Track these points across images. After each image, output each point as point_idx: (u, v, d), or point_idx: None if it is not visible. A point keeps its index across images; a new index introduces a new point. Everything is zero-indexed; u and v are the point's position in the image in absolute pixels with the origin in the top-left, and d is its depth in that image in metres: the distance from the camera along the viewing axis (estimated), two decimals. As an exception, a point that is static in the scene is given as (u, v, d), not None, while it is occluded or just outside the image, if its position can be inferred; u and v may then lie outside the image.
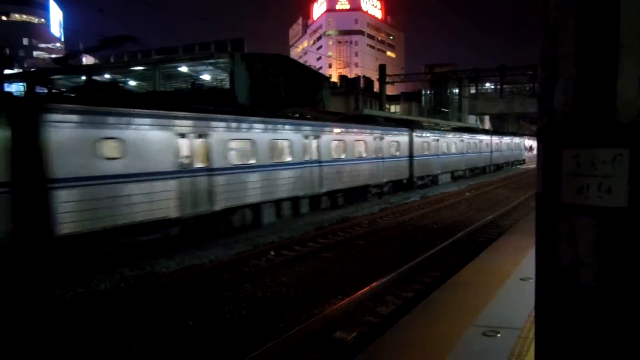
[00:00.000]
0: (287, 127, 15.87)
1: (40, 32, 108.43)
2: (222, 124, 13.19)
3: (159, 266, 10.43)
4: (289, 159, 15.75)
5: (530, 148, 57.79)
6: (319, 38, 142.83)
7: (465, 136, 33.59)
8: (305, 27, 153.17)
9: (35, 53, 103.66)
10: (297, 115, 19.76)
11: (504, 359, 4.02)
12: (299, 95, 35.55)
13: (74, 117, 9.59)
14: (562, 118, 1.62)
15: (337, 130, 18.69)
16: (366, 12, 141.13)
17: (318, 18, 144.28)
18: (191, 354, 6.12)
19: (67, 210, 9.27)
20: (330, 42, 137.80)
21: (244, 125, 13.96)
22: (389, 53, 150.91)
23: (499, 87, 62.81)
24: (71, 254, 9.53)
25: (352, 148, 19.44)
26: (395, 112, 64.59)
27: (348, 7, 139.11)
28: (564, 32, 1.59)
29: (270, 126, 15.01)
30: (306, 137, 16.65)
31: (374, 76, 65.46)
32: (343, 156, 18.78)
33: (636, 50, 1.49)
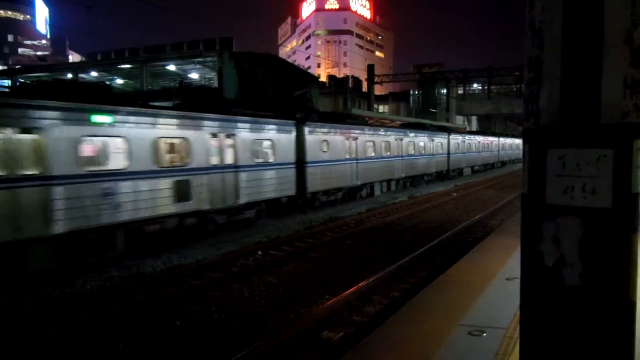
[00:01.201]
0: (389, 132, 24.37)
1: (25, 29, 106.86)
2: (365, 130, 21.65)
3: (145, 266, 10.34)
4: (387, 153, 23.50)
5: None
6: (308, 37, 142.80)
7: (481, 138, 41.93)
8: (294, 26, 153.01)
9: (20, 50, 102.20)
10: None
11: (489, 358, 4.05)
12: (287, 95, 35.42)
13: (314, 128, 17.59)
14: (548, 119, 1.63)
15: (411, 134, 26.62)
16: (355, 12, 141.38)
17: (307, 17, 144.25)
18: (178, 354, 6.07)
19: (310, 179, 17.13)
20: (319, 42, 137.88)
21: (371, 130, 22.37)
22: (377, 53, 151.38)
23: (486, 87, 63.35)
24: (306, 204, 17.41)
25: (418, 147, 27.20)
26: (383, 112, 64.68)
27: (337, 6, 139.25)
28: (550, 33, 1.60)
29: (380, 131, 23.49)
30: (396, 139, 24.47)
31: (363, 76, 65.57)
32: (412, 152, 26.50)
33: (620, 52, 1.50)
